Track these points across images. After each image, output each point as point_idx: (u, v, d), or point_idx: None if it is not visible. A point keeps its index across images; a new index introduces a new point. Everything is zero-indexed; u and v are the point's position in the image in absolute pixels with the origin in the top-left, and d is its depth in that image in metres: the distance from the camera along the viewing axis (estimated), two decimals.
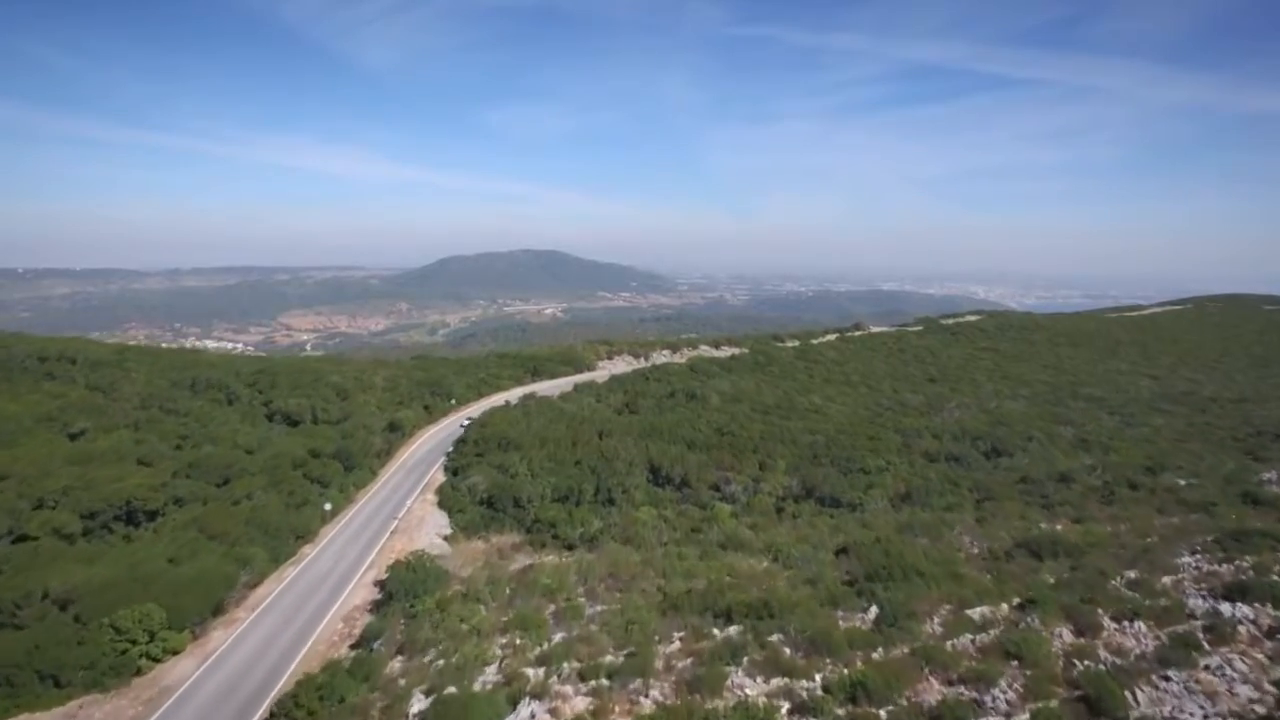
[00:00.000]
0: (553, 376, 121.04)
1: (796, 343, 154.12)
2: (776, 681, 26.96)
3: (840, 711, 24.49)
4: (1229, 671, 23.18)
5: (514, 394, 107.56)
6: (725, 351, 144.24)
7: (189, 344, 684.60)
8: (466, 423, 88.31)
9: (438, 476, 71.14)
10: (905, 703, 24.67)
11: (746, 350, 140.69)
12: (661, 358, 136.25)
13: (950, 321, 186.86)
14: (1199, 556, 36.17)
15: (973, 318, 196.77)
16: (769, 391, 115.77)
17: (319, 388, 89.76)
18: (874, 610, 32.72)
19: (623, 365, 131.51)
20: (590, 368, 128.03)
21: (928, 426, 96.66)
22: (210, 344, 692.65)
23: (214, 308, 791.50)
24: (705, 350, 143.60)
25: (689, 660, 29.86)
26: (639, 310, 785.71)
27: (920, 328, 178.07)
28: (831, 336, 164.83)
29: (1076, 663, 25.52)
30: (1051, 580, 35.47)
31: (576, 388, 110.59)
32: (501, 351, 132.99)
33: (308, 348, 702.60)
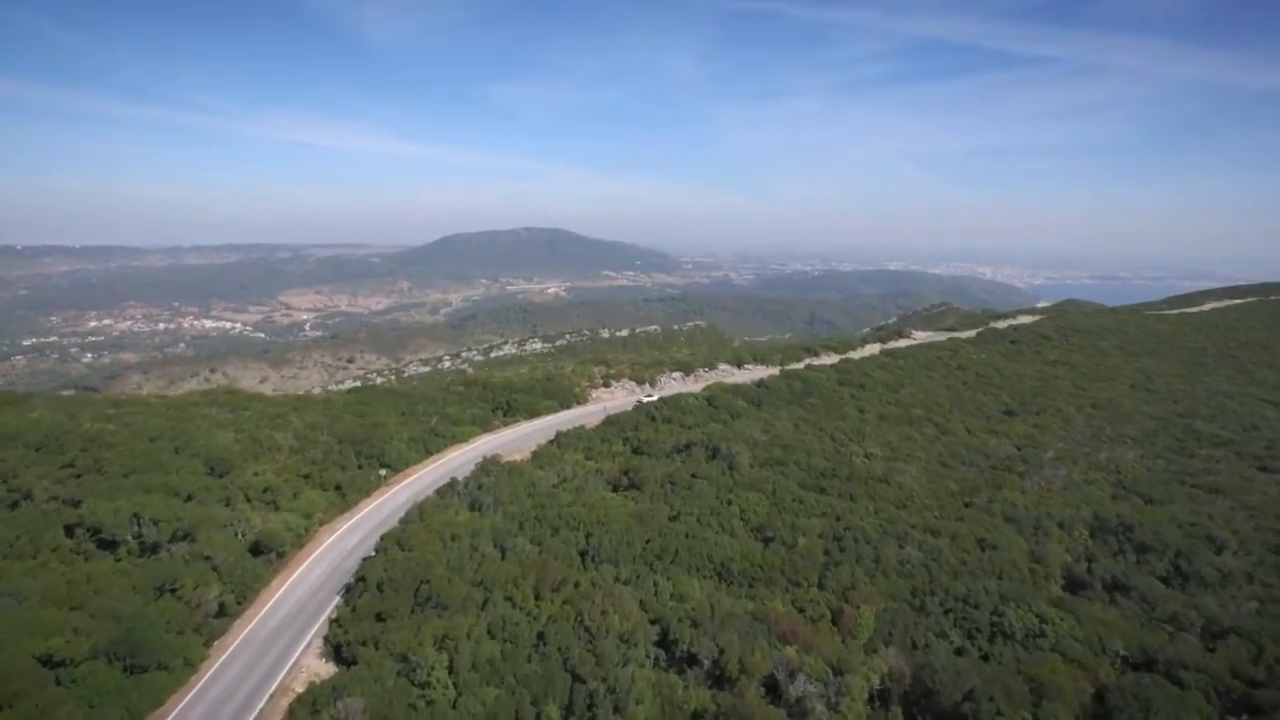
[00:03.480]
0: (531, 416, 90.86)
1: (834, 357, 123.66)
2: None
3: None
4: None
5: (475, 450, 77.73)
6: (749, 372, 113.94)
7: (187, 323, 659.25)
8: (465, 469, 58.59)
9: (306, 665, 41.26)
10: None
11: (776, 371, 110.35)
12: (671, 383, 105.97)
13: (1004, 325, 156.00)
14: None
15: (1027, 319, 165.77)
16: (814, 439, 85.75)
17: (179, 464, 59.80)
18: None
19: (622, 395, 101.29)
20: (581, 400, 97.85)
21: (1048, 511, 66.54)
22: (209, 323, 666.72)
23: (214, 286, 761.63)
24: (724, 370, 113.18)
25: None
26: (643, 290, 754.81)
27: (973, 333, 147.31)
28: (873, 348, 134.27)
29: None
30: None
31: (559, 437, 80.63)
32: (468, 379, 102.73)
33: (307, 328, 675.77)
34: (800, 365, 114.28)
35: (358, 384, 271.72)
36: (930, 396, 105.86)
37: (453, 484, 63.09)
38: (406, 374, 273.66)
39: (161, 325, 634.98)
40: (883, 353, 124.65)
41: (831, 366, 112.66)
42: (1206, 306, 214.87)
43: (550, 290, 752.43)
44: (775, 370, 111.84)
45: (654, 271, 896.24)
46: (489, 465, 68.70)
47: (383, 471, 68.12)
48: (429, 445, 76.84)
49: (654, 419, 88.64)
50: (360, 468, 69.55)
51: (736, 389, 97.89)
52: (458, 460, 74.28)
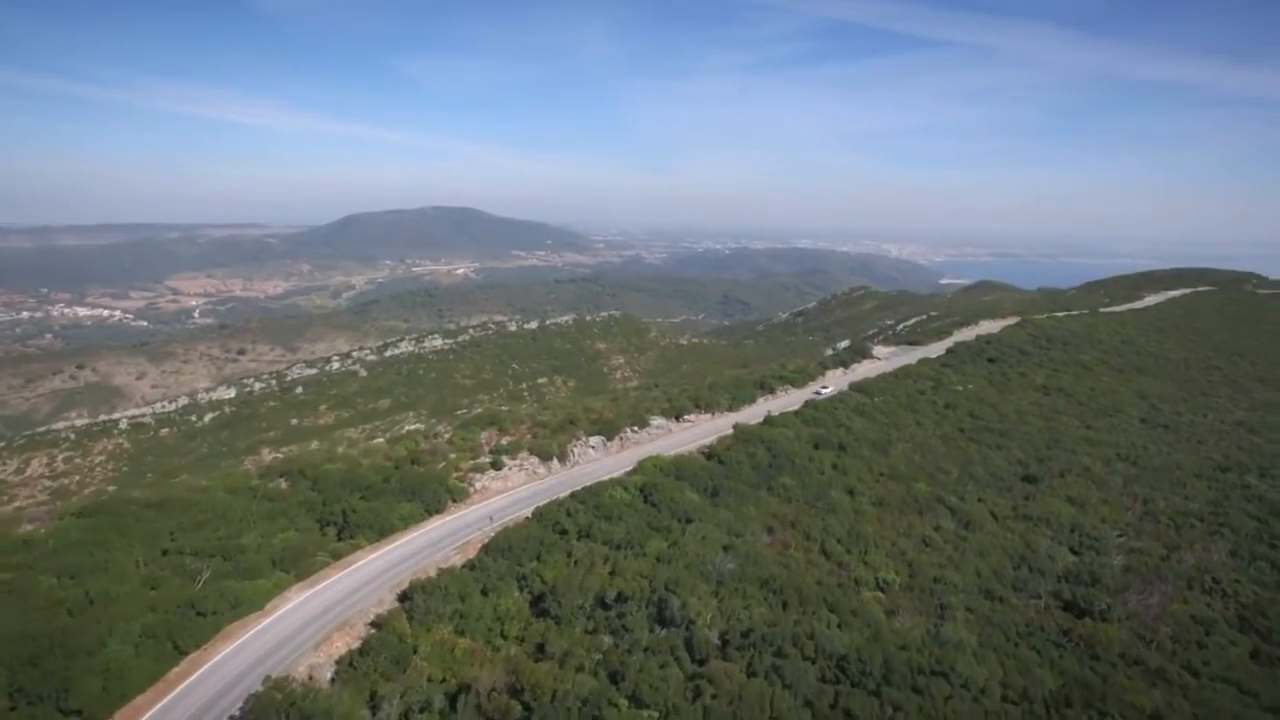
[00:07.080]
0: (381, 534, 57.65)
1: (795, 394, 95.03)
2: None
3: None
4: None
5: (268, 636, 44.60)
6: (691, 426, 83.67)
7: (57, 312, 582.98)
8: None
9: None
10: None
11: (728, 425, 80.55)
12: (589, 455, 74.18)
13: (973, 336, 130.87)
14: None
15: (991, 325, 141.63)
16: (803, 559, 56.31)
17: None
18: None
19: (519, 480, 68.97)
20: (459, 495, 64.99)
21: None
22: (83, 311, 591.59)
23: (91, 270, 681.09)
24: (658, 427, 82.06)
25: None
26: (555, 270, 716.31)
27: (943, 349, 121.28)
28: (837, 374, 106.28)
29: None
30: None
31: (414, 593, 48.22)
32: (290, 465, 68.07)
33: (196, 315, 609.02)
34: (758, 412, 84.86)
35: (233, 391, 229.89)
36: (929, 457, 78.11)
37: None
38: (290, 378, 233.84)
39: (25, 314, 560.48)
40: (851, 387, 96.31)
41: (796, 414, 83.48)
42: (1148, 300, 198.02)
43: (459, 271, 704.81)
44: (726, 423, 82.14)
45: (566, 251, 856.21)
46: (268, 708, 36.05)
47: None
48: (179, 639, 43.01)
49: (565, 533, 57.25)
50: None
51: (680, 466, 67.39)
52: (223, 677, 40.97)
